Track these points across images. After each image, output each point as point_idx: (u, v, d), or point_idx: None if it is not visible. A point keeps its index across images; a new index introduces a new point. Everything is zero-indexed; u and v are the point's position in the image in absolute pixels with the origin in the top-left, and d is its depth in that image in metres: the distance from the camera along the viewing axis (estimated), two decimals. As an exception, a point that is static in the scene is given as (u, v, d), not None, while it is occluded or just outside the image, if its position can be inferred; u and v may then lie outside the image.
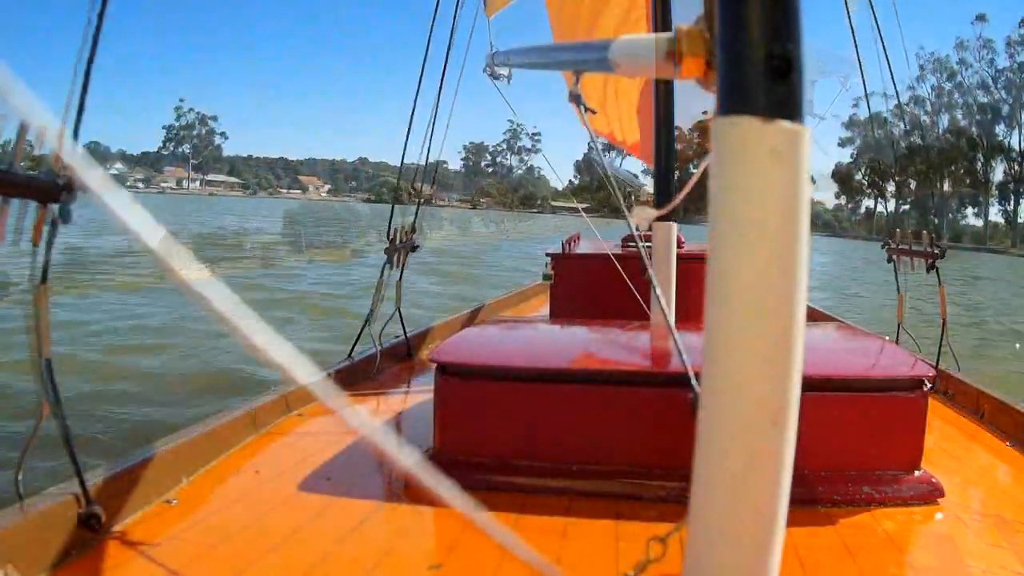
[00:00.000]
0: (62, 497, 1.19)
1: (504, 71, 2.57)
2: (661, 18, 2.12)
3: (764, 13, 0.50)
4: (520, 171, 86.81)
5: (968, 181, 63.04)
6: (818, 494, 1.42)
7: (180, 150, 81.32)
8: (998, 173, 63.64)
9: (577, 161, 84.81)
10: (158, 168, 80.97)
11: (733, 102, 0.52)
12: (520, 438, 1.56)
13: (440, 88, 2.81)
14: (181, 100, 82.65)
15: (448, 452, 1.58)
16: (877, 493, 1.46)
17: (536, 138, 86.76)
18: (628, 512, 1.42)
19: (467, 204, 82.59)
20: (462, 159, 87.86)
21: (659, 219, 1.94)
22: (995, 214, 64.69)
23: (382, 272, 2.64)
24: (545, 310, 3.62)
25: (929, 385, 1.51)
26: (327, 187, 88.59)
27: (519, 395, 1.57)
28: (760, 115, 0.50)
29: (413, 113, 2.79)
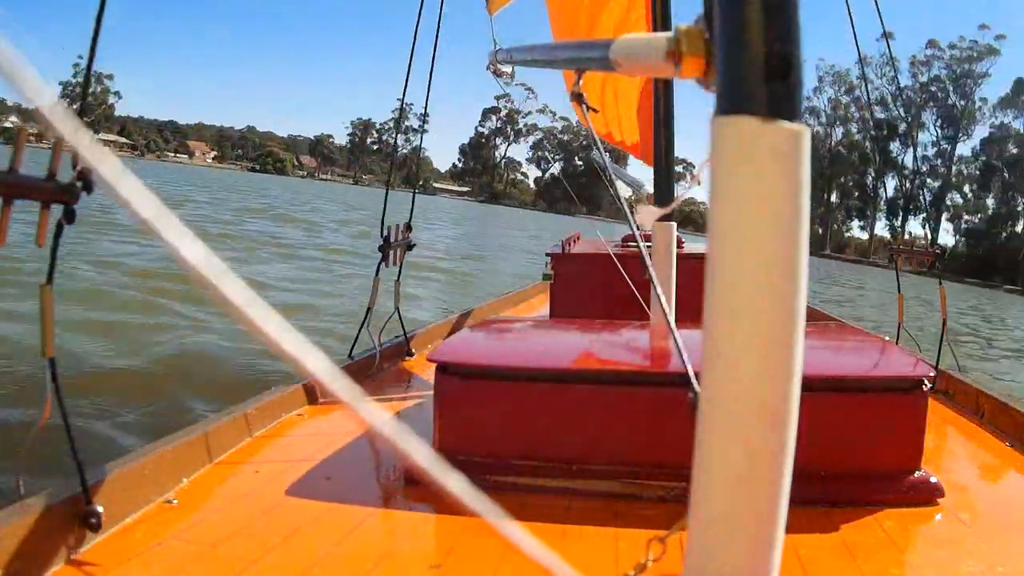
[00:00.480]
0: (62, 497, 1.19)
1: (507, 69, 2.58)
2: (661, 18, 2.12)
3: (763, 13, 0.50)
4: (405, 150, 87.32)
5: (857, 194, 64.60)
6: (818, 494, 1.42)
7: (74, 107, 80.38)
8: (889, 189, 66.00)
9: (462, 145, 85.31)
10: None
11: (732, 102, 0.52)
12: (520, 438, 1.56)
13: (410, 61, 2.80)
14: (80, 57, 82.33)
15: (447, 452, 1.58)
16: (877, 493, 1.46)
17: (425, 119, 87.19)
18: (628, 512, 1.42)
19: (349, 179, 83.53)
20: (348, 134, 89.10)
21: (661, 218, 1.94)
22: (882, 228, 66.73)
23: (377, 270, 2.63)
24: (545, 310, 3.62)
25: (929, 385, 1.51)
26: (213, 153, 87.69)
27: (519, 395, 1.57)
28: (759, 115, 0.50)
29: (405, 90, 2.78)
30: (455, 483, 0.43)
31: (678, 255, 1.97)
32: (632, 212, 1.24)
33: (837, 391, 1.49)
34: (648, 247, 1.72)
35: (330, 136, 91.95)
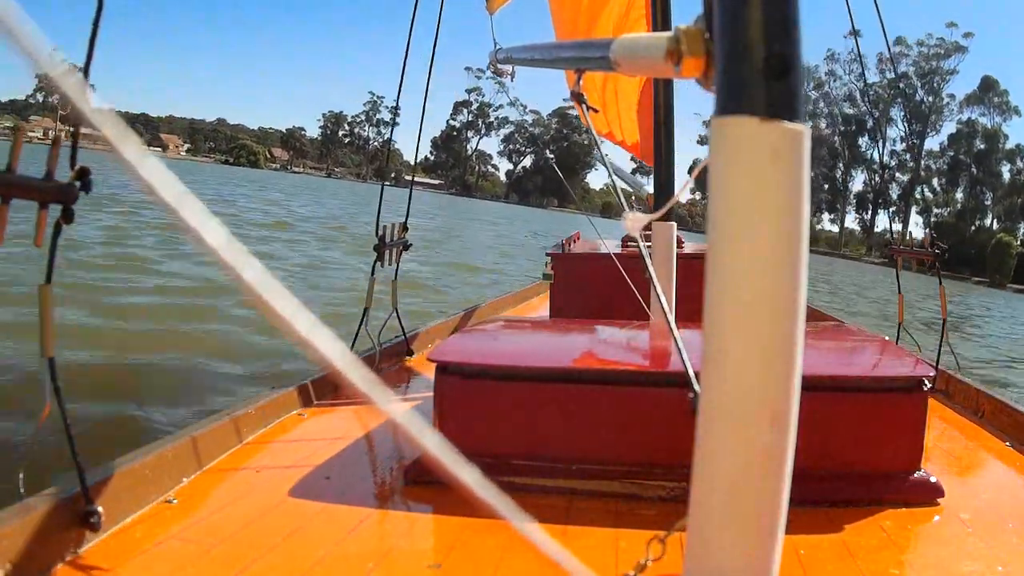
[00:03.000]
0: (62, 497, 1.19)
1: (507, 68, 2.57)
2: (661, 18, 2.12)
3: (763, 13, 0.50)
4: (377, 143, 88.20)
5: (827, 188, 65.77)
6: (818, 494, 1.42)
7: (50, 100, 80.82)
8: (858, 183, 67.87)
9: (434, 138, 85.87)
10: (24, 116, 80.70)
11: (732, 102, 0.51)
12: (520, 437, 1.56)
13: (405, 59, 2.78)
14: (54, 47, 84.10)
15: None
16: (877, 493, 1.46)
17: (396, 112, 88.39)
18: (628, 512, 1.42)
19: (322, 172, 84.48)
20: (320, 127, 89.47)
21: (660, 218, 1.93)
22: (851, 222, 67.98)
23: (372, 270, 2.62)
24: (545, 310, 3.62)
25: (929, 385, 1.51)
26: (186, 146, 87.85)
27: (519, 394, 1.57)
28: (759, 115, 0.50)
29: (401, 85, 2.76)
30: (469, 476, 0.43)
31: (678, 255, 1.97)
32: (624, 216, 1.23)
33: (837, 391, 1.48)
34: (648, 247, 1.72)
35: (302, 129, 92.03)
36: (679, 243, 2.21)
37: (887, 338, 2.15)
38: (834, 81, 63.33)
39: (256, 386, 3.69)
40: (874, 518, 1.40)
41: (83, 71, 1.11)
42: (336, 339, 0.40)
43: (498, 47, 2.49)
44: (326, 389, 2.19)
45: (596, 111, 3.72)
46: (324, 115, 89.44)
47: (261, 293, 0.38)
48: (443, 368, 1.59)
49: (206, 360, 4.43)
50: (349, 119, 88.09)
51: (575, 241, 4.04)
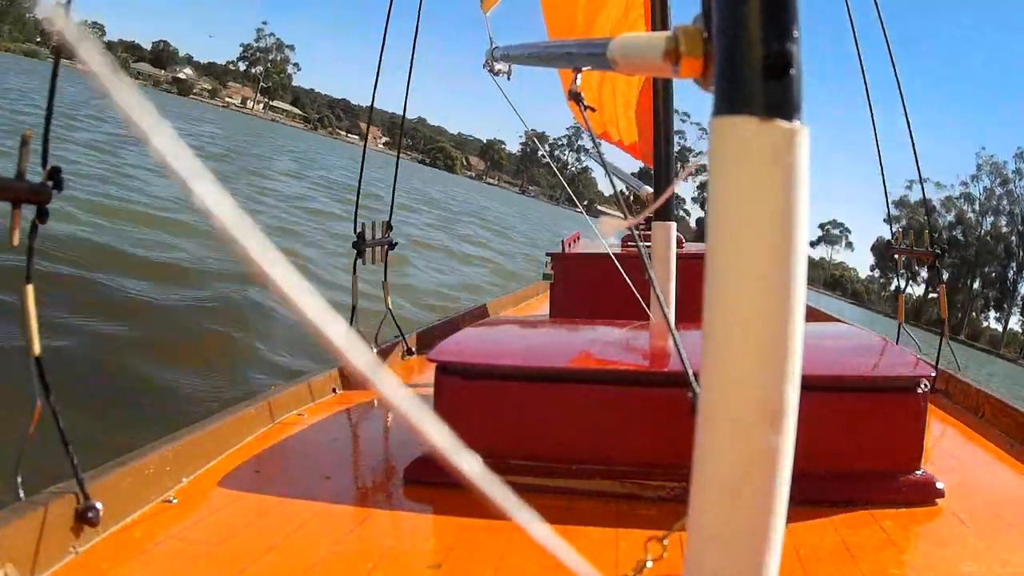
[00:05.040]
0: (61, 496, 1.19)
1: (503, 67, 2.57)
2: (660, 17, 2.12)
3: (761, 12, 0.50)
4: (575, 169, 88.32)
5: (997, 285, 65.29)
6: (818, 494, 1.42)
7: (252, 71, 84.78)
8: None
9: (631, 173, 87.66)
10: (223, 82, 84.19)
11: (730, 101, 0.51)
12: (520, 437, 1.56)
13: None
14: (264, 23, 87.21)
15: None
16: (877, 493, 1.46)
17: (598, 140, 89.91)
18: (628, 512, 1.42)
19: (516, 188, 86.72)
20: (521, 144, 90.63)
21: (659, 218, 1.94)
22: (1015, 323, 67.06)
23: (354, 268, 2.59)
24: (545, 310, 3.62)
25: (929, 385, 1.51)
26: (384, 139, 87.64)
27: (519, 394, 1.57)
28: (758, 115, 0.50)
29: (408, 83, 2.75)
30: (471, 465, 0.43)
31: (678, 255, 1.97)
32: (628, 211, 1.23)
33: (837, 391, 1.48)
34: (648, 247, 1.72)
35: (501, 142, 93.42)
36: (679, 243, 2.21)
37: (887, 338, 2.15)
38: (1020, 179, 61.96)
39: (256, 386, 3.69)
40: (874, 518, 1.40)
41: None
42: (342, 320, 0.40)
43: (494, 46, 2.49)
44: (326, 389, 2.19)
45: (593, 110, 3.72)
46: (526, 132, 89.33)
47: (269, 273, 0.38)
48: (443, 368, 1.59)
49: (206, 359, 4.43)
50: (551, 140, 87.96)
51: (575, 241, 4.03)
